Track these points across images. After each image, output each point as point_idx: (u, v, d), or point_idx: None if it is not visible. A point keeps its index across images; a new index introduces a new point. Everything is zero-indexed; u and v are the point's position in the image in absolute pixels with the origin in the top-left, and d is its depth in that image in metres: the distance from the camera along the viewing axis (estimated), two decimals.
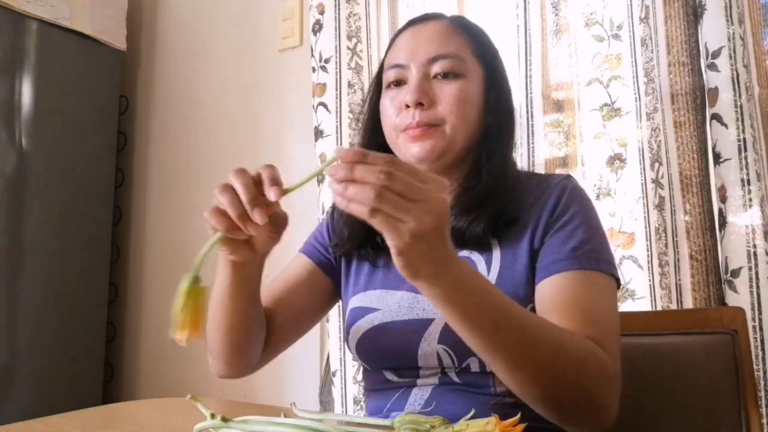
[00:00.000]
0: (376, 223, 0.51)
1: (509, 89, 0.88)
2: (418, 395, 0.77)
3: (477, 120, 0.83)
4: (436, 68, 0.80)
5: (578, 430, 0.67)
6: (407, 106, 0.79)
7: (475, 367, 0.74)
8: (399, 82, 0.83)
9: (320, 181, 1.59)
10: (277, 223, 0.64)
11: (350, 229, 0.86)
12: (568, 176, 0.84)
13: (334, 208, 0.95)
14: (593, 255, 0.74)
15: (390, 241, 0.53)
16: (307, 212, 1.66)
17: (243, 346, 0.80)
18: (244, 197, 0.58)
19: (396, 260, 0.54)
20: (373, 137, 0.88)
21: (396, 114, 0.81)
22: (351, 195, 0.51)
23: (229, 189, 0.60)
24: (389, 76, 0.84)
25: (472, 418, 0.50)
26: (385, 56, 0.88)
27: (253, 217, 0.58)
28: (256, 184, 0.59)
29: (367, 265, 0.88)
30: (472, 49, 0.83)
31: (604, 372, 0.65)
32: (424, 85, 0.80)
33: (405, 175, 0.51)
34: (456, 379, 0.76)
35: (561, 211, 0.78)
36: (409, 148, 0.80)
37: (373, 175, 0.50)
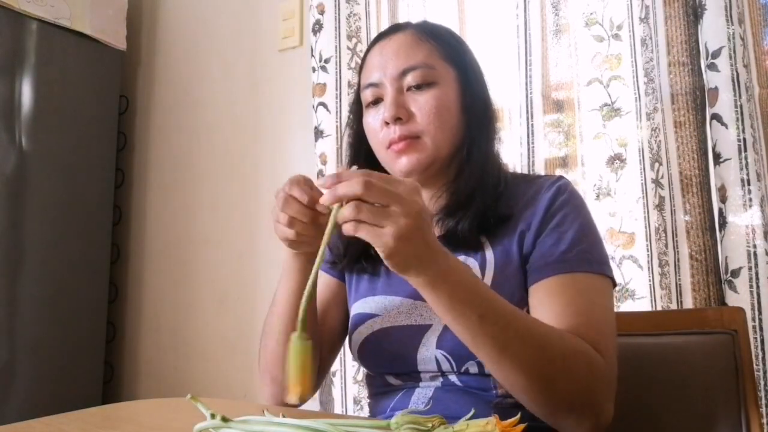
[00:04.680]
0: (362, 235, 0.57)
1: (484, 85, 0.88)
2: (421, 395, 0.78)
3: (457, 123, 0.83)
4: (408, 80, 0.81)
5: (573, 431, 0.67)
6: (387, 123, 0.81)
7: (474, 370, 0.74)
8: (377, 101, 0.84)
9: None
10: None
11: (345, 246, 0.89)
12: (561, 177, 0.83)
13: None
14: (585, 257, 0.74)
15: (377, 247, 0.57)
16: None
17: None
18: (305, 197, 0.65)
19: (386, 261, 0.59)
20: (359, 156, 0.90)
21: (379, 131, 0.83)
22: (339, 216, 0.57)
23: (289, 199, 0.66)
24: (366, 96, 0.85)
25: (472, 417, 0.50)
26: (359, 76, 0.89)
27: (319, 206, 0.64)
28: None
29: (367, 274, 0.89)
30: (441, 54, 0.83)
31: (593, 370, 0.66)
32: (399, 100, 0.81)
33: (378, 183, 0.56)
34: (457, 382, 0.76)
35: (553, 212, 0.77)
36: (396, 163, 0.82)
37: (350, 188, 0.56)
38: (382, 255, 0.58)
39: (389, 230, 0.56)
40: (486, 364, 0.65)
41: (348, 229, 0.57)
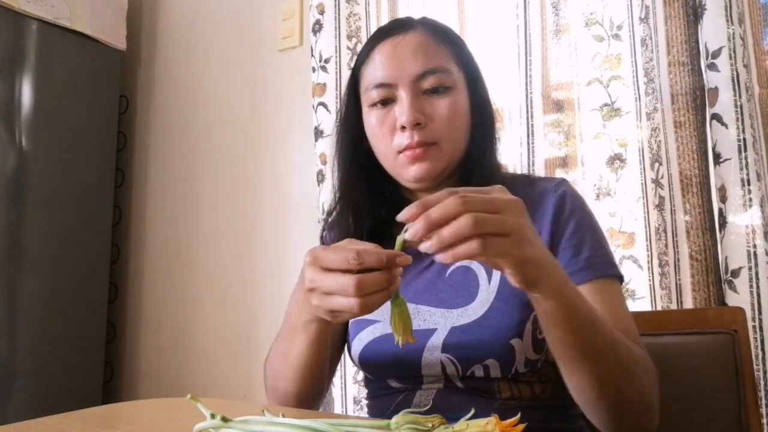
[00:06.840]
0: (492, 253, 0.49)
1: (487, 88, 0.86)
2: (423, 396, 0.77)
3: (467, 128, 0.82)
4: (426, 84, 0.78)
5: None
6: (403, 128, 0.77)
7: (479, 373, 0.74)
8: (385, 101, 0.79)
9: (320, 182, 1.59)
10: None
11: None
12: (563, 181, 0.82)
13: (322, 238, 0.94)
14: (607, 260, 0.75)
15: (505, 262, 0.52)
16: (306, 212, 1.67)
17: (321, 390, 0.82)
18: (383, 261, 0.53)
19: (515, 274, 0.53)
20: (356, 157, 0.86)
21: (390, 134, 0.79)
22: (447, 236, 0.47)
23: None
24: (373, 96, 0.80)
25: (472, 417, 0.50)
26: (360, 71, 0.84)
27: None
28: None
29: None
30: (454, 57, 0.81)
31: (652, 377, 0.67)
32: (417, 104, 0.77)
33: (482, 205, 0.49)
34: (460, 385, 0.76)
35: (564, 221, 0.77)
36: (408, 169, 0.78)
37: (454, 206, 0.48)
38: (511, 268, 0.52)
39: (512, 239, 0.50)
40: (584, 375, 0.62)
41: (467, 249, 0.48)
